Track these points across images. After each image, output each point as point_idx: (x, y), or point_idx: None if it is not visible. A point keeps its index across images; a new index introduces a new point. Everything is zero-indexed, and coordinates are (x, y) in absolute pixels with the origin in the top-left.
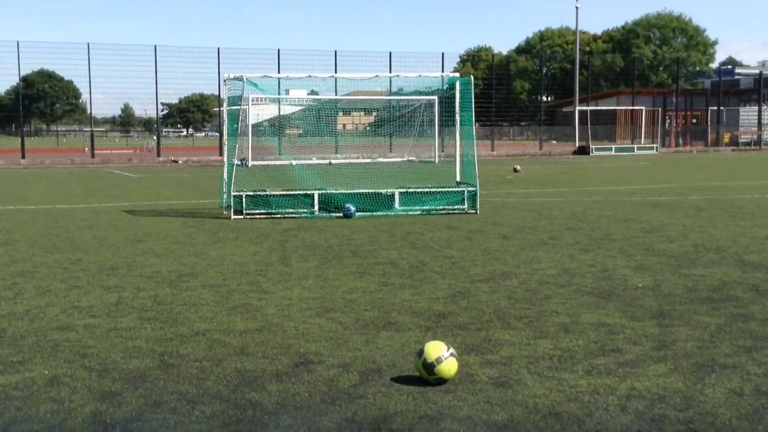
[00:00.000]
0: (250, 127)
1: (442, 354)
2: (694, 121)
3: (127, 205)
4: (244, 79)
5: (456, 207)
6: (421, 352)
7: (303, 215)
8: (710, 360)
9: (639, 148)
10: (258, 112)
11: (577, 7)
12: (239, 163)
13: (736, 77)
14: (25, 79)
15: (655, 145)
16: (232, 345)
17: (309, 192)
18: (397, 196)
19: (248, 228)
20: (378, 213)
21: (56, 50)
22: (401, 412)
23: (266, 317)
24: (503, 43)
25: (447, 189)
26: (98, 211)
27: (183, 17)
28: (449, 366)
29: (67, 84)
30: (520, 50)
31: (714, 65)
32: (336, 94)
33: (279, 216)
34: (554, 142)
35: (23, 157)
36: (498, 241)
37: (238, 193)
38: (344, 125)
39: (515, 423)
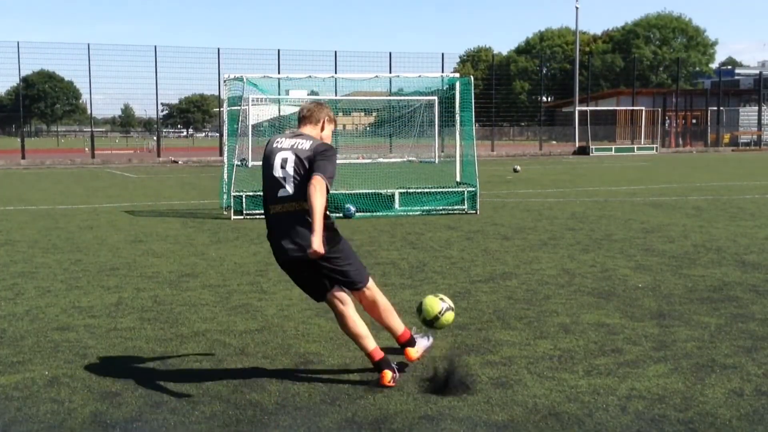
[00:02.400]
0: (250, 127)
1: (440, 311)
2: (694, 121)
3: (127, 205)
4: (244, 80)
5: (456, 207)
6: (420, 310)
7: None
8: (710, 360)
9: (639, 149)
10: (258, 113)
11: (577, 8)
12: (239, 163)
13: (736, 77)
14: (25, 80)
15: (655, 146)
16: (232, 345)
17: None
18: (397, 197)
19: (248, 228)
20: (378, 213)
21: (56, 51)
22: (401, 412)
23: (266, 318)
24: (503, 44)
25: (447, 189)
26: (98, 212)
27: (183, 17)
28: (447, 318)
29: (67, 84)
30: (520, 50)
31: (714, 65)
32: (336, 95)
33: None
34: (554, 142)
35: (23, 157)
36: (498, 242)
37: (238, 194)
38: (344, 125)
39: (515, 423)
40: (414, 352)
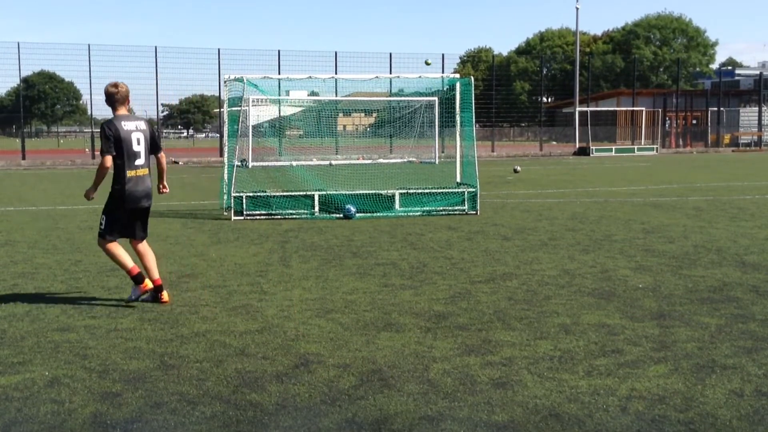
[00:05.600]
0: (250, 128)
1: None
2: (694, 121)
3: None
4: (245, 80)
5: (456, 208)
6: None
7: (303, 216)
8: (710, 361)
9: (639, 149)
10: (258, 114)
11: (577, 8)
12: (239, 164)
13: (737, 78)
14: (25, 81)
15: (655, 146)
16: (232, 346)
17: (309, 193)
18: (397, 197)
19: (248, 229)
20: (378, 214)
21: (57, 51)
22: (401, 413)
23: (266, 318)
24: (503, 44)
25: (447, 190)
26: (98, 212)
27: (183, 18)
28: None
29: (67, 85)
30: (520, 51)
31: (714, 66)
32: (336, 95)
33: (279, 217)
34: (554, 143)
35: (24, 158)
36: (498, 242)
37: (238, 194)
38: (344, 126)
39: (515, 424)
40: (166, 296)
